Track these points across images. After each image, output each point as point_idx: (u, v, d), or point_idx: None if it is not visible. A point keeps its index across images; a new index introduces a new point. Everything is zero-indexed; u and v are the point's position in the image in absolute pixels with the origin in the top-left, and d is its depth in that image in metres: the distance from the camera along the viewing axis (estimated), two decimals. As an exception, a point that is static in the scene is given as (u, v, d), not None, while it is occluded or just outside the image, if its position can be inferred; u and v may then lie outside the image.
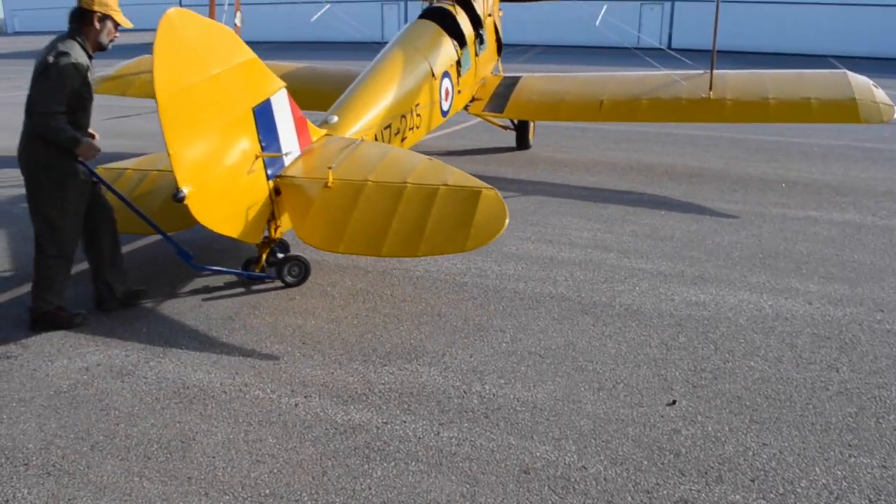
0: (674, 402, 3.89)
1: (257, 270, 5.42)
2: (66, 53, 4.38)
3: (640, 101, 8.84)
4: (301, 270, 5.50)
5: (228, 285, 5.51)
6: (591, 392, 3.99)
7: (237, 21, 9.59)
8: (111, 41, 4.69)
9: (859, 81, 8.59)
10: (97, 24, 4.54)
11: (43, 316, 4.74)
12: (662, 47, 14.33)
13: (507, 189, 8.27)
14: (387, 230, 4.74)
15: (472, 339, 4.61)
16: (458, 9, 8.84)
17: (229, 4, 9.63)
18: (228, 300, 5.25)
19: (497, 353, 4.43)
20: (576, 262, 6.00)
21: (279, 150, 5.08)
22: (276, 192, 5.08)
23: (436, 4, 8.81)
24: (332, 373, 4.22)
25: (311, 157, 5.34)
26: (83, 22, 4.53)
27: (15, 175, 5.09)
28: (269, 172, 5.01)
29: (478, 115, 9.93)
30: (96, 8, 4.50)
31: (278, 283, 5.43)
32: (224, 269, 5.48)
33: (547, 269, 5.84)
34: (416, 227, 4.71)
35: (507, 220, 4.69)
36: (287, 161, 5.17)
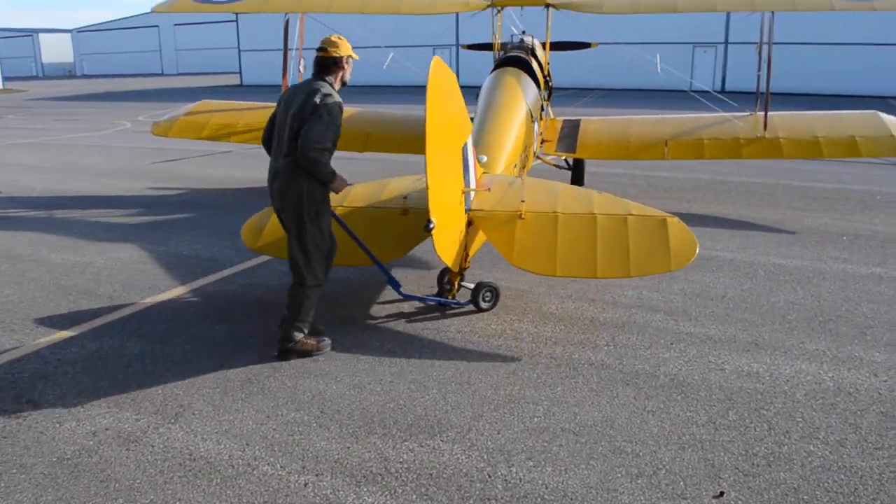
0: (721, 493, 3.49)
1: (451, 297, 5.90)
2: (330, 94, 4.86)
3: (703, 140, 9.45)
4: (493, 296, 5.93)
5: (252, 342, 5.28)
6: (628, 479, 3.60)
7: (301, 67, 9.97)
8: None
9: (892, 119, 9.49)
10: (344, 65, 5.08)
11: (294, 344, 5.05)
12: (708, 89, 14.04)
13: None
14: (595, 254, 5.24)
15: (501, 411, 4.28)
16: (531, 57, 9.39)
17: (295, 50, 10.02)
18: (250, 360, 5.02)
19: (528, 429, 4.08)
20: (618, 323, 5.63)
21: (470, 185, 5.48)
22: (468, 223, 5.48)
23: (513, 54, 9.37)
24: (349, 447, 3.92)
25: (493, 192, 5.72)
26: (332, 66, 5.03)
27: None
28: (465, 206, 5.42)
29: (542, 157, 10.33)
30: (342, 53, 5.03)
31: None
32: (427, 297, 5.97)
33: (587, 331, 5.47)
34: (621, 252, 5.25)
35: (697, 246, 5.29)
36: (471, 196, 5.54)
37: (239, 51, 53.16)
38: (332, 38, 5.07)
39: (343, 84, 5.11)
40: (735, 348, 5.17)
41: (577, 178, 10.78)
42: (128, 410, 4.36)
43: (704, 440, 3.96)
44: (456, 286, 5.91)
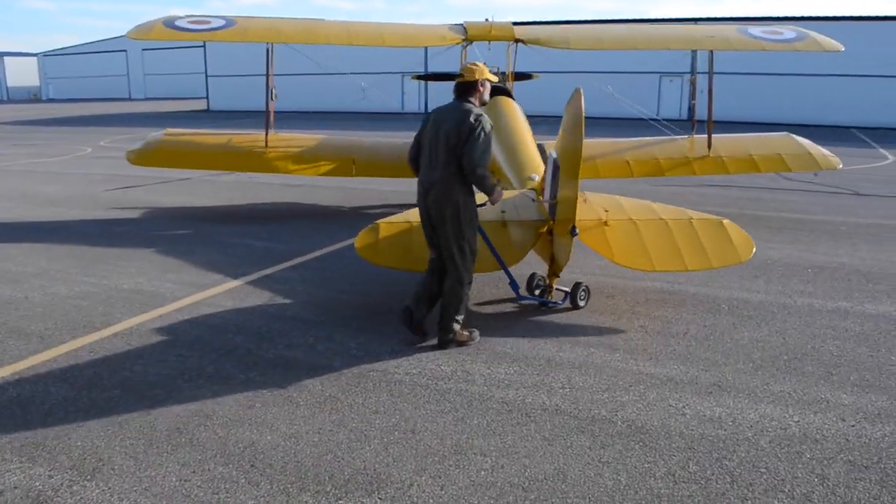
0: (680, 558, 3.22)
1: (552, 297, 6.64)
2: (482, 115, 5.42)
3: (659, 160, 10.45)
4: (587, 294, 6.73)
5: (187, 386, 4.93)
6: (580, 542, 3.31)
7: (273, 95, 11.04)
8: None
9: (803, 140, 11.57)
10: (480, 88, 5.59)
11: (454, 335, 5.63)
12: (645, 117, 14.90)
13: (502, 275, 7.71)
14: (679, 251, 6.34)
15: (446, 464, 3.97)
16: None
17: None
18: (182, 406, 4.66)
19: (473, 484, 3.78)
20: (576, 363, 5.36)
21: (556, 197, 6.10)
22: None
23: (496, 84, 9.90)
24: (278, 508, 3.59)
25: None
26: (471, 89, 5.57)
27: None
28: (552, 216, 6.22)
29: None
30: (478, 77, 5.56)
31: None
32: (538, 298, 6.71)
33: (542, 372, 5.20)
34: (699, 248, 6.38)
35: (753, 242, 6.66)
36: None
37: (206, 76, 52.76)
38: (471, 66, 5.65)
39: (483, 104, 5.66)
40: (697, 391, 4.93)
41: None
42: (42, 465, 3.99)
43: (663, 495, 3.69)
44: (553, 288, 6.63)
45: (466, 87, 5.57)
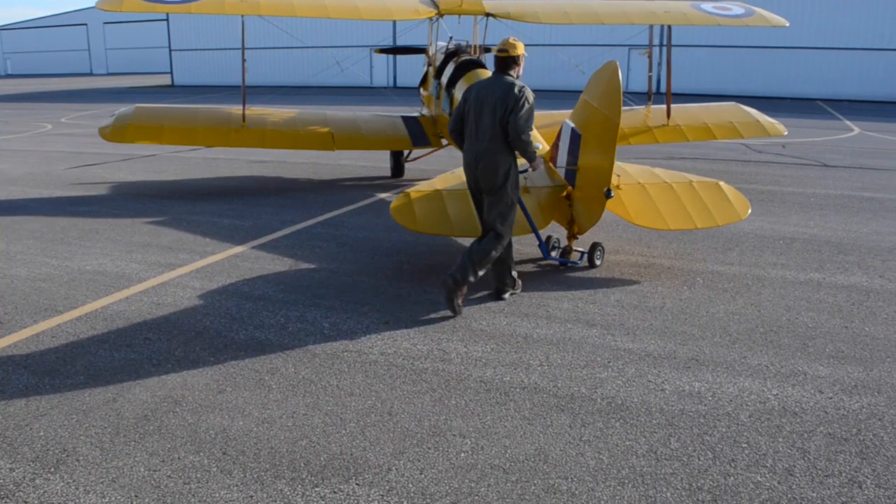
0: (665, 538, 3.17)
1: (571, 258, 7.09)
2: (524, 86, 5.75)
3: (624, 130, 10.44)
4: (602, 253, 7.18)
5: (155, 370, 4.78)
6: (563, 525, 3.25)
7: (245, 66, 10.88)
8: None
9: (751, 109, 12.39)
10: (520, 62, 5.95)
11: (505, 286, 6.17)
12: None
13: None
14: (687, 210, 6.88)
15: (425, 447, 3.88)
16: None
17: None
18: (150, 392, 4.51)
19: (453, 466, 3.69)
20: (553, 340, 5.29)
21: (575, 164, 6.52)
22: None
23: (469, 58, 10.56)
24: (251, 496, 3.47)
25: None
26: (511, 63, 5.90)
27: None
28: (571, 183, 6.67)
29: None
30: (518, 52, 5.91)
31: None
32: (560, 258, 7.11)
33: (520, 350, 5.12)
34: (703, 207, 6.97)
35: (748, 202, 7.29)
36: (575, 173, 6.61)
37: (170, 50, 51.63)
38: (511, 41, 5.94)
39: (517, 77, 5.93)
40: (675, 365, 4.89)
41: None
42: (2, 458, 3.83)
43: (645, 473, 3.64)
44: (573, 249, 7.14)
45: (508, 62, 5.89)
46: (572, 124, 6.61)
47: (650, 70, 13.02)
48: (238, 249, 7.74)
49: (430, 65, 11.93)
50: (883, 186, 11.84)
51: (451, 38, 11.87)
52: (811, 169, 13.69)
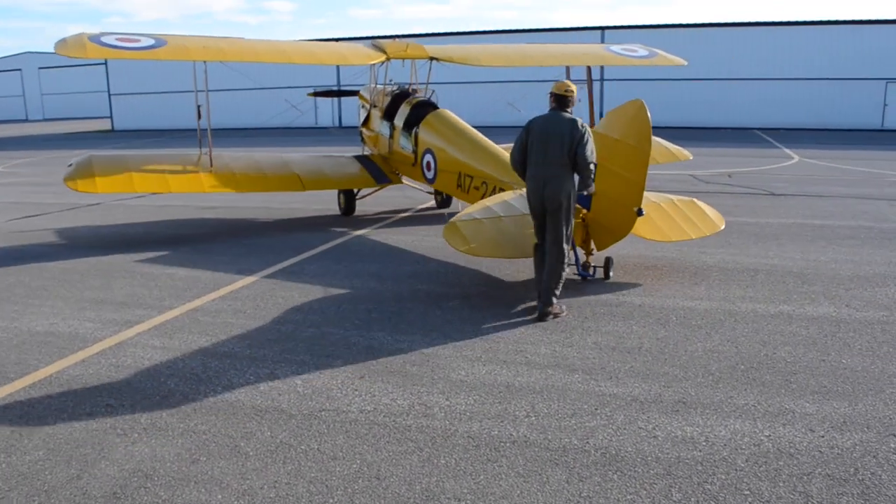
0: None
1: (590, 271, 7.92)
2: (584, 123, 6.66)
3: None
4: (611, 265, 8.09)
5: (121, 440, 4.47)
6: None
7: (200, 109, 11.09)
8: None
9: (658, 138, 12.19)
10: (574, 102, 6.84)
11: (552, 307, 6.67)
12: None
13: (448, 294, 7.48)
14: (679, 224, 8.07)
15: (419, 513, 3.67)
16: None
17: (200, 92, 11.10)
18: (115, 467, 4.20)
19: (452, 534, 3.50)
20: (536, 388, 5.15)
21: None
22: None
23: (422, 99, 11.58)
24: (239, 580, 3.22)
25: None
26: (569, 102, 6.79)
27: None
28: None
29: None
30: (574, 94, 6.84)
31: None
32: (583, 273, 7.88)
33: (504, 400, 4.96)
34: (689, 221, 8.18)
35: (721, 216, 8.66)
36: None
37: (109, 95, 50.72)
38: (567, 83, 6.87)
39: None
40: (663, 409, 4.79)
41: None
42: (-44, 549, 3.50)
43: (651, 530, 3.49)
44: (591, 264, 7.93)
45: (566, 100, 6.79)
46: None
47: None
48: (197, 303, 7.43)
49: (373, 106, 12.59)
50: (830, 213, 12.12)
51: (390, 80, 12.66)
52: (760, 198, 13.98)
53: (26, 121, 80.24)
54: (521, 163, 6.84)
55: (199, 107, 11.13)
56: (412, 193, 14.12)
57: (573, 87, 6.84)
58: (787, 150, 24.54)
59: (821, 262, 8.78)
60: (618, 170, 6.97)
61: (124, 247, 10.38)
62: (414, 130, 10.97)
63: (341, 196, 12.54)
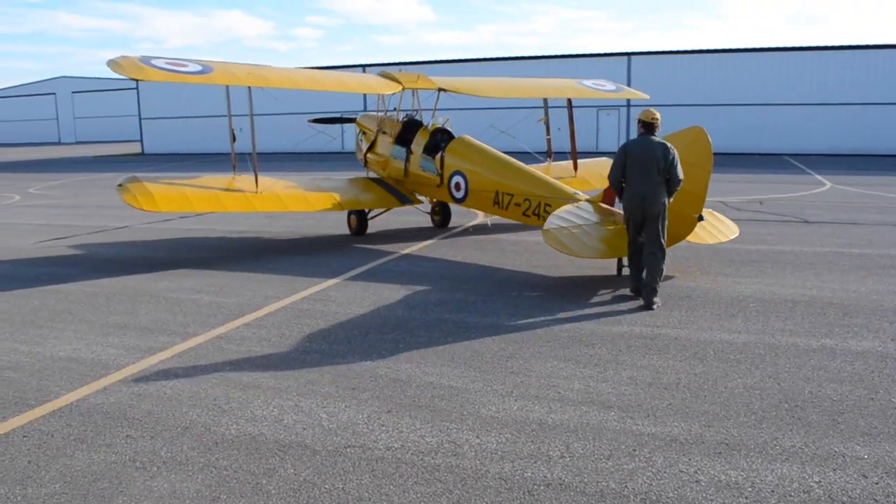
0: None
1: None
2: (672, 146, 7.85)
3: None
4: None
5: (139, 475, 4.31)
6: None
7: (234, 132, 11.68)
8: None
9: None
10: (659, 128, 8.10)
11: (656, 298, 7.96)
12: (530, 150, 16.47)
13: (478, 325, 7.29)
14: (709, 230, 9.40)
15: (449, 562, 3.47)
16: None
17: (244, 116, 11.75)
18: (133, 500, 4.05)
19: (484, 586, 3.29)
20: (570, 426, 4.93)
21: None
22: None
23: (439, 127, 12.73)
24: None
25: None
26: (656, 128, 8.03)
27: None
28: None
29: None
30: (659, 121, 8.07)
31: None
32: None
33: (536, 439, 4.74)
34: (717, 228, 9.67)
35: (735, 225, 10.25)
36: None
37: (140, 119, 51.45)
38: (654, 112, 8.06)
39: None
40: (705, 451, 4.55)
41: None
42: (-34, 590, 3.35)
43: (698, 586, 3.26)
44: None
45: (653, 127, 8.03)
46: None
47: (548, 133, 14.99)
48: (222, 330, 7.32)
49: (381, 132, 13.57)
50: (868, 242, 11.79)
51: (395, 109, 13.85)
52: (793, 226, 13.67)
53: (59, 143, 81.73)
54: (619, 180, 8.09)
55: (233, 131, 11.59)
56: (420, 218, 14.36)
57: (658, 115, 8.04)
58: (819, 177, 24.16)
59: (861, 293, 8.48)
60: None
61: (150, 270, 10.33)
62: (440, 155, 12.05)
63: (353, 217, 13.23)
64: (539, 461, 4.44)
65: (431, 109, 13.18)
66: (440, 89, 12.92)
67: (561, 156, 15.42)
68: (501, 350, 6.53)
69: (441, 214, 14.08)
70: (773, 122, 36.95)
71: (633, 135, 9.32)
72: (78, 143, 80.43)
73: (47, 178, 29.81)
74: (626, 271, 8.86)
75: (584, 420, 5.02)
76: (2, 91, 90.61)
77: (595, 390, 5.56)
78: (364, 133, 14.25)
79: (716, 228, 9.54)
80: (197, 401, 5.47)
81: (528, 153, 12.34)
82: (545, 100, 14.74)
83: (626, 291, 8.55)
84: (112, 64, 10.31)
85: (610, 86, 16.15)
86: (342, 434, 4.85)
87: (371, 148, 13.82)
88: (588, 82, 15.84)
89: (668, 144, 7.82)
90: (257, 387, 5.74)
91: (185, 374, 6.05)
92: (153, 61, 10.67)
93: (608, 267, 9.76)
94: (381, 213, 13.60)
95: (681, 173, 7.79)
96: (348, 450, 4.62)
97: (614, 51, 40.98)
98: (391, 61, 44.57)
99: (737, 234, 9.75)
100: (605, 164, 14.97)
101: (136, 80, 10.88)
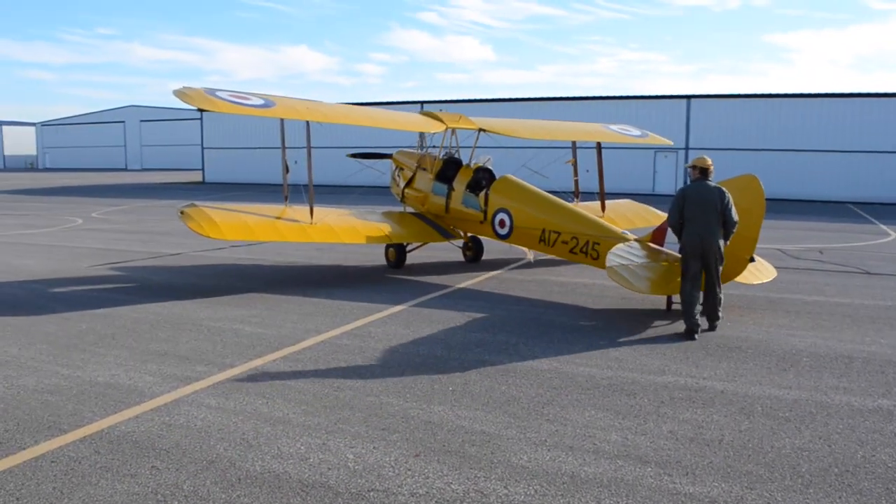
0: None
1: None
2: (726, 190, 8.57)
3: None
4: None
5: (162, 502, 4.27)
6: None
7: (288, 164, 12.20)
8: None
9: (641, 204, 16.32)
10: (713, 173, 8.82)
11: (718, 322, 8.92)
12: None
13: (517, 369, 7.12)
14: (753, 272, 9.95)
15: None
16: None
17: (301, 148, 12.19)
18: (151, 536, 3.99)
19: None
20: (604, 481, 4.72)
21: None
22: None
23: (481, 166, 13.09)
24: None
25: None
26: (710, 172, 8.77)
27: None
28: None
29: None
30: (712, 167, 8.81)
31: None
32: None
33: (567, 493, 4.55)
34: (758, 269, 10.20)
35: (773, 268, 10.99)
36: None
37: (202, 148, 52.88)
38: (706, 159, 8.85)
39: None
40: (745, 516, 4.29)
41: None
42: None
43: None
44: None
45: (708, 172, 8.76)
46: None
47: (575, 174, 15.35)
48: (258, 362, 7.30)
49: (421, 168, 13.96)
50: (934, 298, 11.25)
51: (434, 146, 14.60)
52: (854, 277, 13.15)
53: (125, 170, 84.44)
54: (678, 221, 8.69)
55: (286, 162, 12.06)
56: (453, 253, 14.06)
57: (710, 161, 8.84)
58: (884, 227, 23.33)
59: (924, 352, 8.05)
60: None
61: (198, 299, 10.44)
62: (484, 192, 12.43)
63: (391, 250, 13.44)
64: (567, 517, 4.24)
65: (471, 147, 13.62)
66: (480, 129, 13.45)
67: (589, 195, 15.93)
68: (539, 396, 6.35)
69: (473, 250, 14.34)
70: (837, 169, 35.98)
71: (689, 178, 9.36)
72: (143, 169, 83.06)
73: (111, 203, 30.72)
74: (675, 306, 9.54)
75: (618, 475, 4.81)
76: (75, 118, 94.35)
77: (633, 443, 5.34)
78: (401, 169, 14.67)
79: (758, 270, 10.00)
80: (225, 434, 5.43)
81: (557, 192, 12.29)
82: (573, 142, 15.21)
83: (673, 333, 8.33)
84: (180, 94, 10.67)
85: (635, 131, 16.89)
86: (367, 476, 4.73)
87: (409, 184, 14.21)
88: (615, 127, 16.46)
89: (724, 189, 8.49)
90: (287, 422, 5.67)
91: (218, 406, 6.03)
92: (218, 93, 11.03)
93: (655, 313, 9.49)
94: (418, 247, 13.81)
95: (735, 215, 8.44)
96: (371, 493, 4.50)
97: (674, 93, 40.64)
98: (449, 99, 44.93)
99: (775, 276, 10.40)
100: (629, 205, 15.85)
101: (203, 111, 11.54)
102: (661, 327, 9.00)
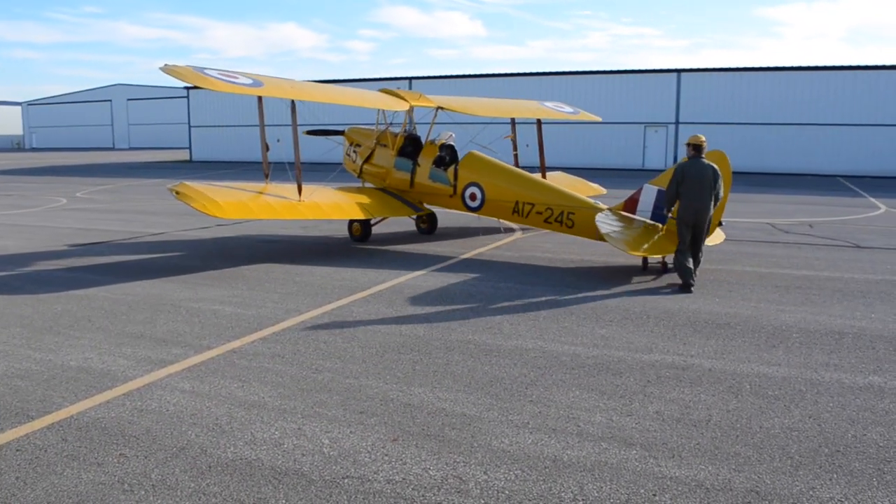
0: None
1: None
2: (717, 167, 9.64)
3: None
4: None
5: (126, 497, 4.09)
6: None
7: (276, 141, 12.58)
8: None
9: (569, 175, 17.50)
10: (706, 149, 9.88)
11: (692, 280, 9.73)
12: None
13: (501, 348, 6.96)
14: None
15: None
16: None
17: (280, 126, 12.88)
18: (114, 529, 3.82)
19: None
20: (587, 465, 4.57)
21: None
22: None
23: (445, 143, 13.72)
24: None
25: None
26: (704, 150, 9.80)
27: None
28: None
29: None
30: (706, 144, 9.86)
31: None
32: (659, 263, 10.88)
33: (549, 478, 4.40)
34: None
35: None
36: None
37: (189, 126, 52.34)
38: (701, 137, 9.75)
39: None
40: (733, 500, 4.15)
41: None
42: None
43: None
44: (665, 263, 10.87)
45: (701, 149, 9.74)
46: (656, 187, 10.48)
47: (514, 149, 15.77)
48: (236, 344, 7.12)
49: (380, 144, 14.45)
50: (925, 272, 11.13)
51: (390, 123, 15.04)
52: (844, 251, 13.03)
53: (113, 149, 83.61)
54: (675, 195, 9.71)
55: (271, 140, 12.24)
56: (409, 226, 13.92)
57: (704, 139, 9.75)
58: (874, 200, 23.24)
59: (916, 327, 7.93)
60: None
61: (178, 279, 10.23)
62: (453, 168, 13.05)
63: (357, 225, 13.88)
64: (550, 503, 4.09)
65: (428, 123, 14.10)
66: (438, 107, 14.15)
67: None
68: (522, 376, 6.19)
69: (428, 223, 15.02)
70: (826, 143, 35.85)
71: (679, 152, 9.57)
72: (131, 148, 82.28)
73: (96, 183, 30.34)
74: (650, 265, 10.97)
75: (602, 458, 4.66)
76: (61, 97, 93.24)
77: (618, 425, 5.19)
78: (357, 145, 15.12)
79: (716, 234, 11.02)
80: (198, 419, 5.25)
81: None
82: (512, 119, 15.91)
83: (666, 285, 8.19)
84: (169, 70, 10.66)
85: (567, 108, 18.04)
86: (342, 463, 4.57)
87: (368, 160, 14.71)
88: (549, 104, 17.58)
89: (716, 167, 9.57)
90: (262, 406, 5.49)
91: (192, 390, 5.85)
92: (207, 71, 11.09)
93: (643, 290, 9.34)
94: (379, 221, 14.18)
95: (722, 192, 9.68)
96: (345, 481, 4.33)
97: (665, 67, 40.33)
98: (439, 74, 44.49)
99: (722, 240, 11.54)
100: (564, 178, 16.62)
101: (192, 88, 11.71)
102: (650, 304, 8.84)
